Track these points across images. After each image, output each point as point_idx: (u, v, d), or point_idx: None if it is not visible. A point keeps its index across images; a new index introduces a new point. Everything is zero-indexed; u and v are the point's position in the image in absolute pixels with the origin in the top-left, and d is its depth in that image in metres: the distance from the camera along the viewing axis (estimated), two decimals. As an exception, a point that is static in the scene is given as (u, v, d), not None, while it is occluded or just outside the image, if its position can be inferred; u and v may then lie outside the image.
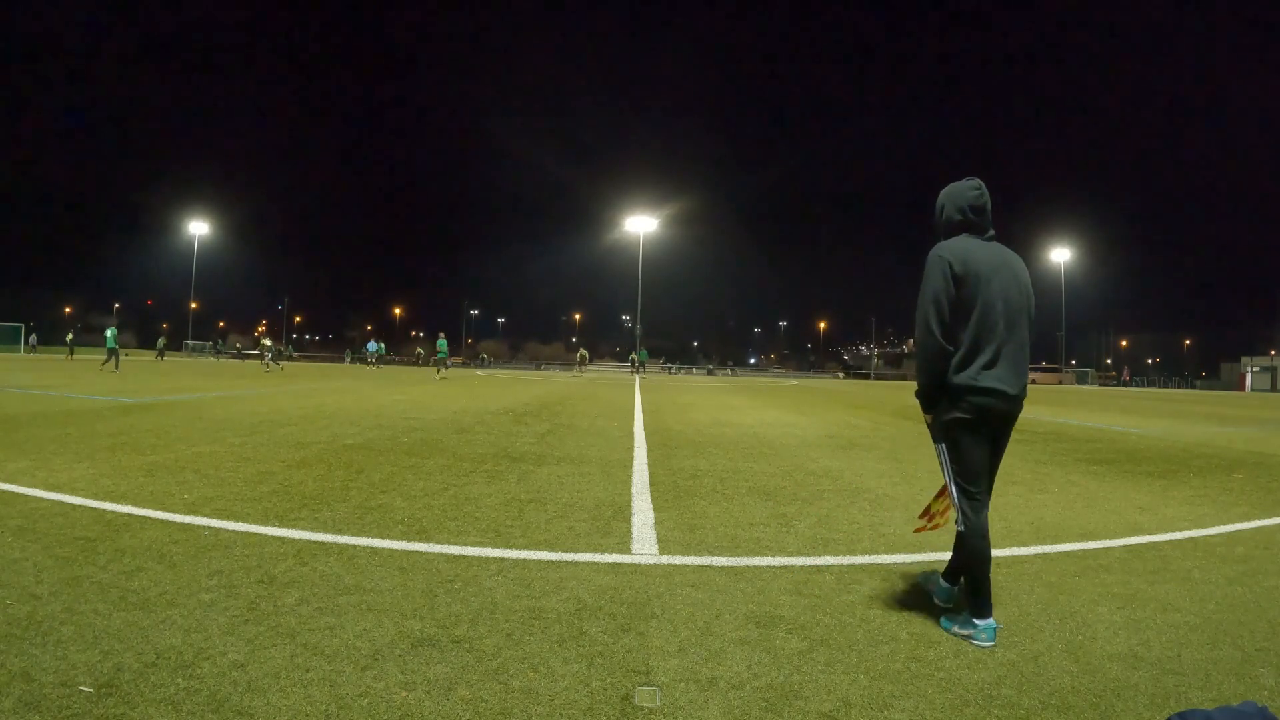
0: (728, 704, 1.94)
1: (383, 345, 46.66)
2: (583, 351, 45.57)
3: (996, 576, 3.14)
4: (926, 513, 2.77)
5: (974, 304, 2.43)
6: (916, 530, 2.89)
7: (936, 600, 2.71)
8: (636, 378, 34.01)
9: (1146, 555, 3.58)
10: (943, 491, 2.68)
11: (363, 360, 45.96)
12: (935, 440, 2.56)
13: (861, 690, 2.04)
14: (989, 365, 2.42)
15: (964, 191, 2.58)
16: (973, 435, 2.46)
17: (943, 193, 2.65)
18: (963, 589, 2.55)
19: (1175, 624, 2.62)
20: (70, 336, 35.43)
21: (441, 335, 25.93)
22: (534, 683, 2.02)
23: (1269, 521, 4.47)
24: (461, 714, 1.84)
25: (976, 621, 2.41)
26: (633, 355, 44.50)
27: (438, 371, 24.92)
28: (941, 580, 2.73)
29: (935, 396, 2.50)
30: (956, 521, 2.53)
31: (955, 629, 2.47)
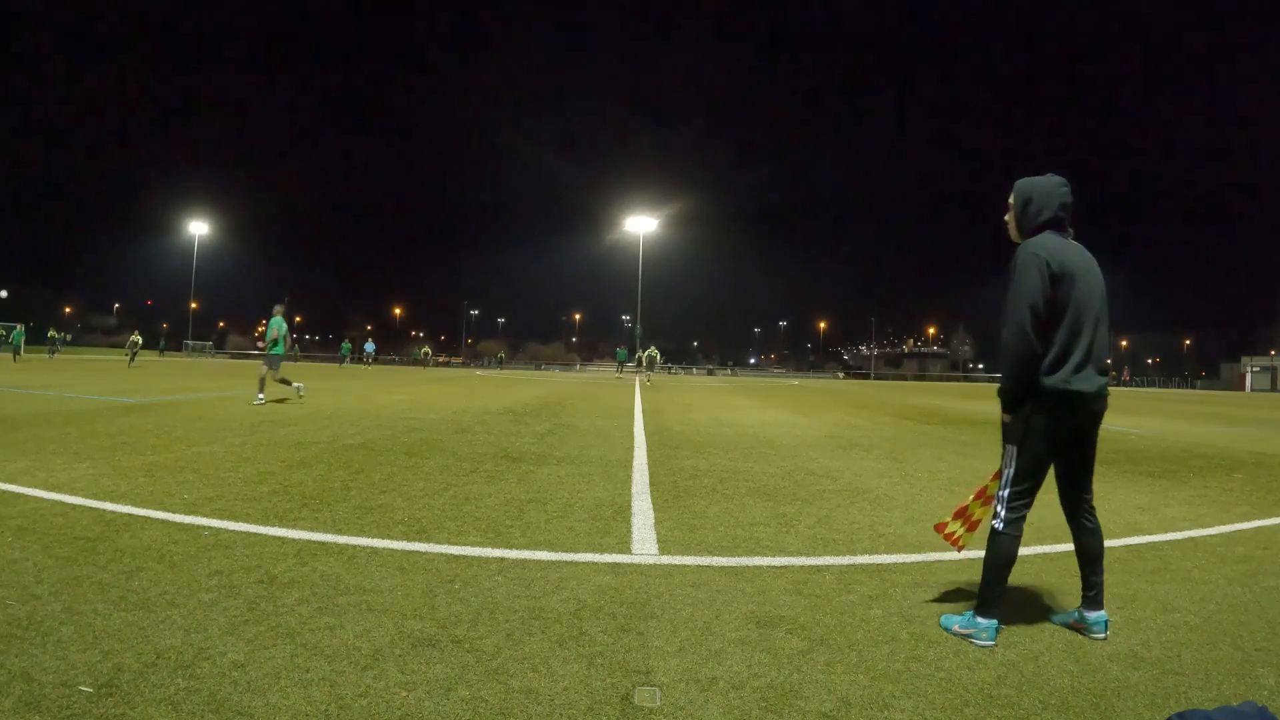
0: (728, 704, 1.94)
1: (362, 344, 47.08)
2: (622, 349, 43.68)
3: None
4: (965, 516, 2.72)
5: (1067, 305, 2.38)
6: (946, 534, 2.77)
7: (979, 643, 2.42)
8: (638, 379, 33.43)
9: (1146, 555, 3.58)
10: (981, 496, 2.66)
11: (360, 360, 46.05)
12: (1007, 440, 2.49)
13: (861, 690, 2.04)
14: (1079, 368, 2.37)
15: (1055, 188, 2.50)
16: (1050, 438, 2.41)
17: (1025, 187, 2.55)
18: (980, 584, 2.49)
19: (1175, 624, 2.61)
20: (52, 334, 35.49)
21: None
22: (534, 683, 2.02)
23: (1269, 521, 4.46)
24: (461, 714, 1.84)
25: (980, 619, 2.40)
26: (639, 354, 42.37)
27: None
28: (980, 619, 2.48)
29: (1021, 399, 2.42)
30: (995, 519, 2.48)
31: (956, 627, 2.45)
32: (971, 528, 2.74)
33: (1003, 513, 2.46)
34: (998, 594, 2.41)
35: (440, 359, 71.12)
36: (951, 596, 2.85)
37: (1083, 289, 2.41)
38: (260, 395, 10.80)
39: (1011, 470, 2.46)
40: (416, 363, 56.84)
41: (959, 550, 2.83)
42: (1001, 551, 2.43)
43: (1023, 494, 2.45)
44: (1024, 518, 2.46)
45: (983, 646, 2.35)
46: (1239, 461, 7.40)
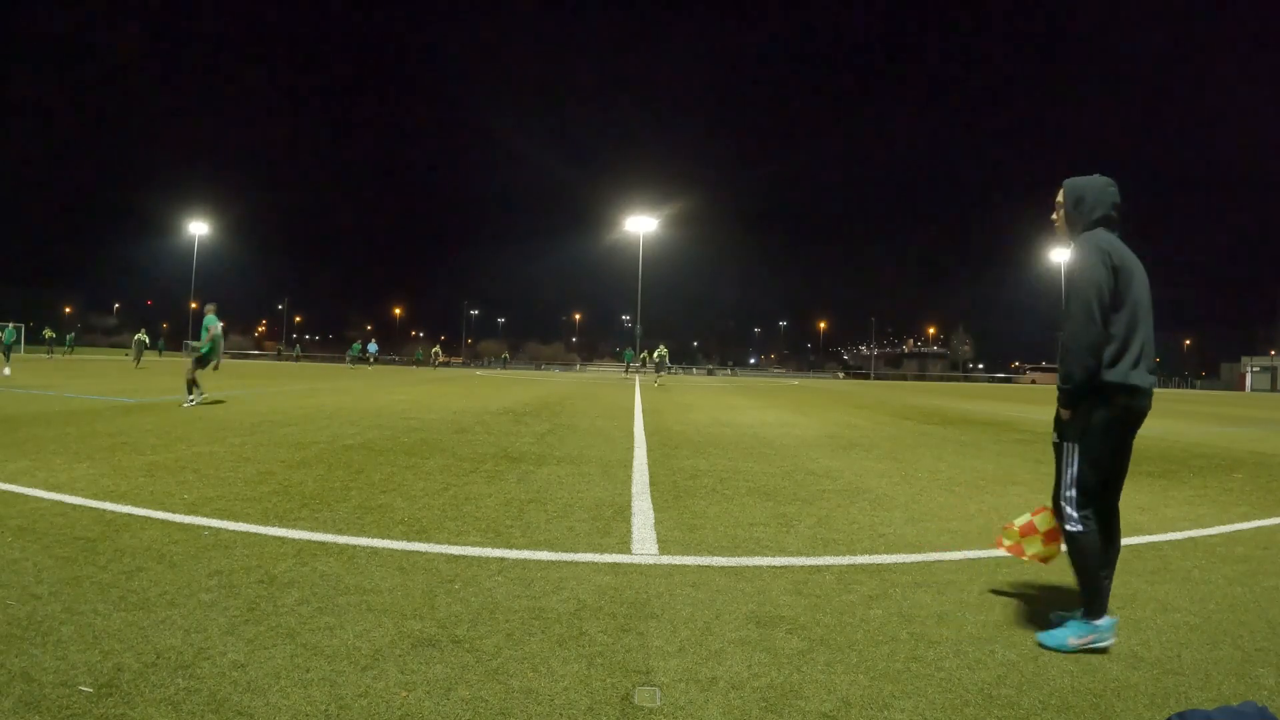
0: (728, 704, 1.94)
1: (366, 344, 46.73)
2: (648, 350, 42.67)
3: (997, 575, 3.15)
4: (1037, 532, 2.62)
5: (1125, 299, 2.36)
6: (1010, 549, 2.68)
7: (1101, 644, 2.39)
8: (638, 379, 33.22)
9: (1146, 555, 3.57)
10: (1043, 511, 2.60)
11: (363, 361, 45.83)
12: (1066, 438, 2.44)
13: (861, 690, 2.03)
14: (1136, 363, 2.35)
15: (1105, 187, 2.51)
16: (1109, 435, 2.39)
17: (1077, 186, 2.55)
18: (1080, 591, 2.43)
19: (1175, 624, 2.61)
20: (48, 333, 35.10)
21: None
22: (534, 683, 2.02)
23: (1269, 521, 4.46)
24: (461, 714, 1.84)
25: (1095, 622, 2.33)
26: (642, 355, 39.79)
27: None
28: (1092, 620, 2.44)
29: (1084, 393, 2.37)
30: (1069, 522, 2.42)
31: (1071, 640, 2.33)
32: (1049, 539, 2.62)
33: (1074, 513, 2.41)
34: (1100, 591, 2.36)
35: (441, 359, 70.75)
36: (951, 597, 2.85)
37: (1138, 285, 2.41)
38: (191, 397, 10.11)
39: (1074, 469, 2.41)
40: (419, 363, 56.52)
41: (1024, 558, 2.72)
42: (1087, 550, 2.38)
43: (1089, 492, 2.40)
44: (1093, 514, 2.41)
45: (1105, 647, 2.30)
46: (1239, 461, 7.40)
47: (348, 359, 46.47)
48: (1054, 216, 2.64)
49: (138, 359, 28.21)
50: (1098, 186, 2.52)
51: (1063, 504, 2.46)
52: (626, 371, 41.23)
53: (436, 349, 52.02)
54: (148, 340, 30.12)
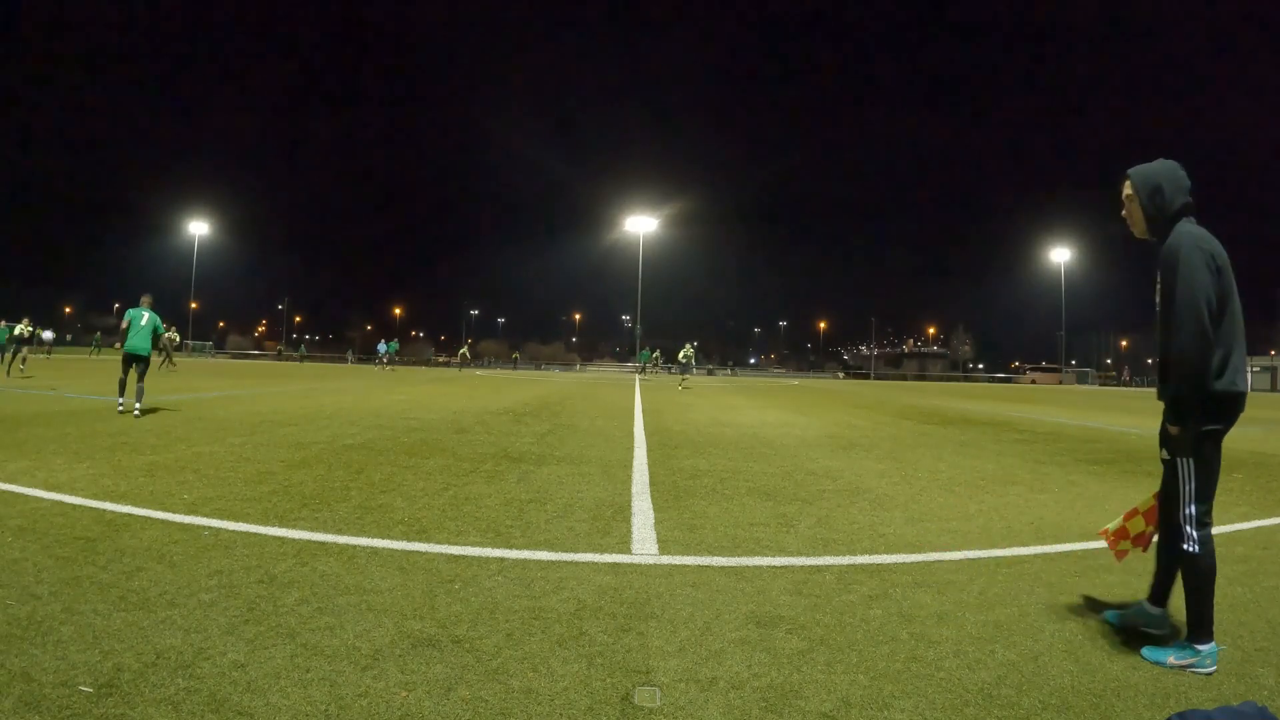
0: (728, 704, 1.94)
1: (395, 343, 44.22)
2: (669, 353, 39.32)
3: (997, 575, 3.15)
4: (1142, 538, 2.60)
5: (1227, 301, 2.23)
6: (1115, 550, 2.67)
7: (1152, 631, 2.45)
8: (636, 379, 33.22)
9: (1147, 555, 3.57)
10: (1143, 514, 2.57)
11: (378, 362, 43.17)
12: (1179, 453, 2.29)
13: (861, 690, 2.03)
14: (1239, 368, 2.23)
15: (1176, 171, 2.34)
16: (1217, 447, 2.28)
17: (1150, 174, 2.37)
18: (1187, 612, 2.31)
19: (1175, 624, 2.61)
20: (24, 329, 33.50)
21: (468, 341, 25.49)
22: (534, 683, 2.02)
23: (1269, 521, 4.46)
24: (461, 714, 1.84)
25: (1199, 647, 2.22)
26: (655, 354, 39.37)
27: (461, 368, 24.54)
28: (1150, 608, 2.48)
29: (1195, 406, 2.23)
30: (1187, 543, 2.28)
31: (1171, 659, 2.25)
32: (1140, 542, 2.62)
33: (1195, 532, 2.27)
34: (1207, 615, 2.24)
35: (440, 359, 70.34)
36: (951, 597, 2.85)
37: (1229, 281, 2.25)
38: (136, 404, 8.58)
39: (1193, 485, 2.27)
40: (441, 364, 54.17)
41: (1119, 561, 2.74)
42: (1205, 571, 2.26)
43: (1209, 508, 2.29)
44: (1209, 535, 2.29)
45: (1205, 674, 2.19)
46: (1239, 461, 7.39)
47: (379, 362, 42.90)
48: (1124, 212, 2.46)
49: (169, 360, 24.41)
50: (1171, 172, 2.33)
51: (1181, 523, 2.30)
52: (643, 372, 40.86)
53: (464, 351, 50.34)
54: (178, 339, 27.28)
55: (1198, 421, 2.24)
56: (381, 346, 42.80)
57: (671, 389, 22.90)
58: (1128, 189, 2.43)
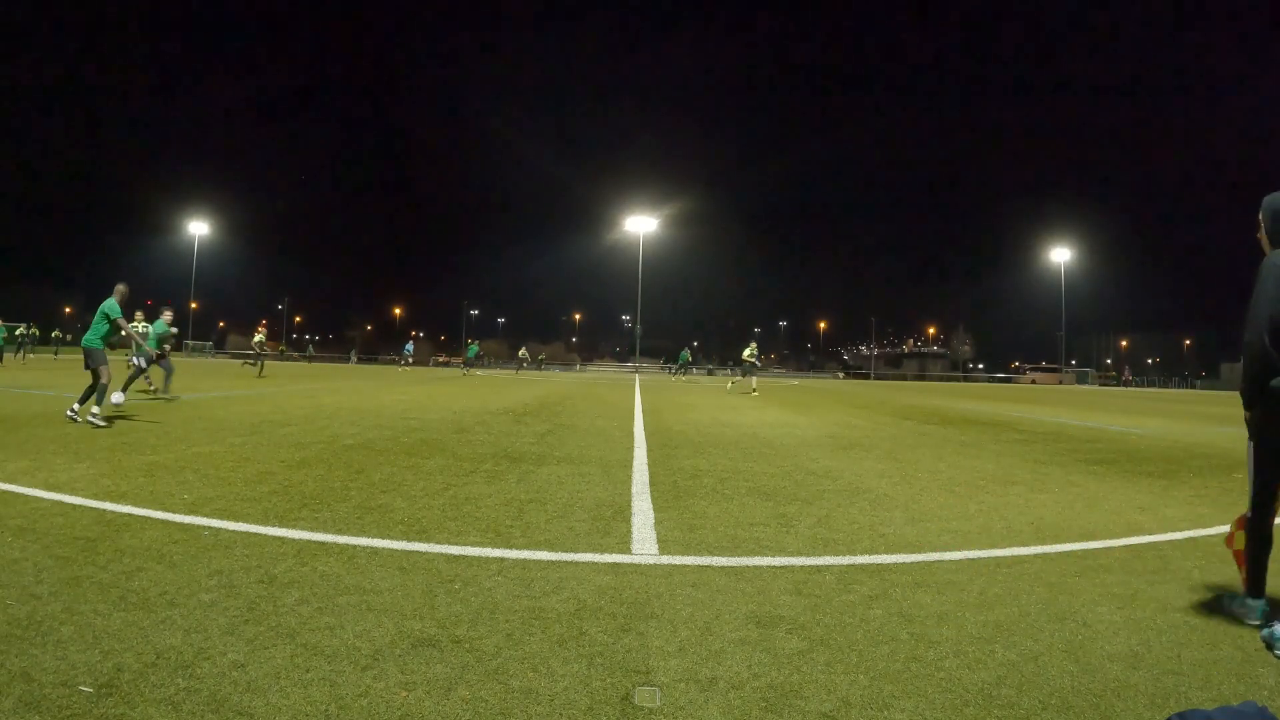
0: (728, 704, 1.94)
1: (475, 346, 42.48)
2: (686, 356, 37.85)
3: (997, 576, 3.15)
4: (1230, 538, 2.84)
5: None
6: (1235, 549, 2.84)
7: (1249, 621, 2.64)
8: (636, 378, 33.20)
9: (1146, 555, 3.58)
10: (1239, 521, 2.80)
11: (392, 362, 43.32)
12: (1249, 435, 2.69)
13: (861, 690, 2.04)
14: None
15: None
16: (1274, 437, 2.61)
17: (1273, 203, 2.75)
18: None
19: (1175, 624, 2.62)
20: (19, 330, 31.12)
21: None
22: (534, 683, 2.02)
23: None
24: (461, 714, 1.84)
25: (1250, 601, 2.62)
26: (683, 357, 37.70)
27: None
28: (1249, 600, 2.68)
29: (1256, 399, 2.61)
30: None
31: (1227, 604, 2.71)
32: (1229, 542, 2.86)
33: (1251, 507, 2.68)
34: (1264, 575, 2.63)
35: (441, 359, 69.97)
36: (951, 597, 2.85)
37: None
38: (108, 403, 8.01)
39: (1251, 463, 2.70)
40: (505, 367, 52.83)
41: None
42: (1266, 542, 2.63)
43: (1263, 485, 2.65)
44: (1271, 508, 2.65)
45: (1252, 625, 2.55)
46: (1239, 462, 7.39)
47: (463, 366, 40.44)
48: (1259, 235, 2.81)
49: (259, 366, 22.25)
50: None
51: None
52: (674, 374, 40.32)
53: (524, 351, 49.17)
54: (175, 331, 26.56)
55: (1260, 412, 2.62)
56: (408, 347, 43.94)
57: (666, 389, 22.80)
58: (1260, 215, 2.80)
